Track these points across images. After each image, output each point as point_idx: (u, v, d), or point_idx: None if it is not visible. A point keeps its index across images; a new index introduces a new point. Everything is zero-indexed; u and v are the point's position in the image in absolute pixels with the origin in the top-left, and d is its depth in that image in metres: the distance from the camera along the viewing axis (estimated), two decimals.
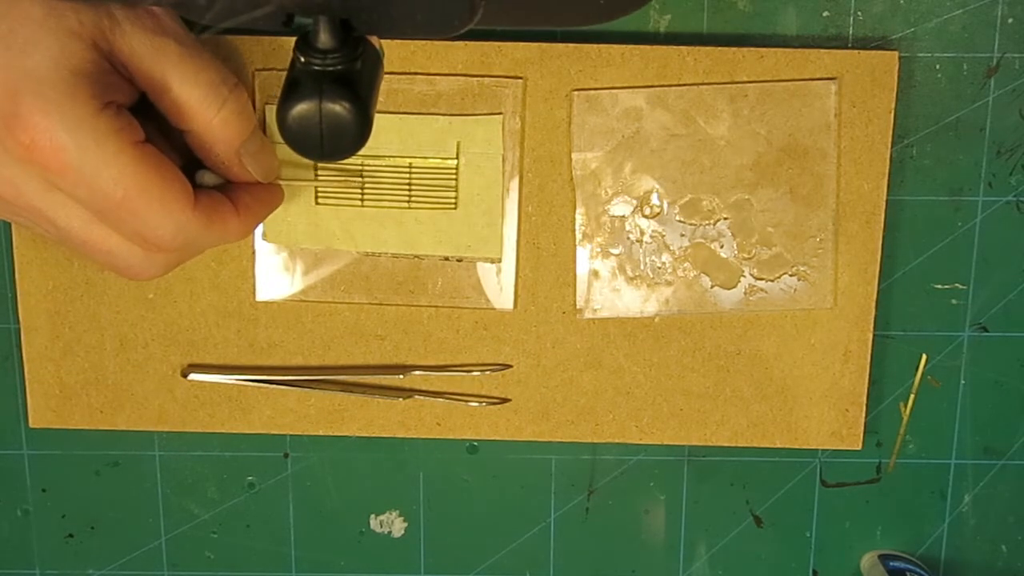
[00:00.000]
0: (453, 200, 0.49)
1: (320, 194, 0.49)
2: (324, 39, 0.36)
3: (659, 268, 0.50)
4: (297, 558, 0.55)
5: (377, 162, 0.48)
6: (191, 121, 0.41)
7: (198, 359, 0.51)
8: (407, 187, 0.49)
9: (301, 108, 0.37)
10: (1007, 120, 0.50)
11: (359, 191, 0.49)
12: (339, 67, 0.36)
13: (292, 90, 0.37)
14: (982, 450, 0.53)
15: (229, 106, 0.41)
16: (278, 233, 0.49)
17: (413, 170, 0.48)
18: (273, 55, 0.48)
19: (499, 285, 0.50)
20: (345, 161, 0.48)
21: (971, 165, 0.50)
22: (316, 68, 0.36)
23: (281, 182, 0.47)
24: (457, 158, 0.48)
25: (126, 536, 0.54)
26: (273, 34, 0.47)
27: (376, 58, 0.39)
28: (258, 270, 0.50)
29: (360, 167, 0.49)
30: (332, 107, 0.37)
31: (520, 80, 0.48)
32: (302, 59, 0.36)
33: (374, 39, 0.39)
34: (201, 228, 0.41)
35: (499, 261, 0.50)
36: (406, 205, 0.49)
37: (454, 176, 0.49)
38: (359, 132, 0.37)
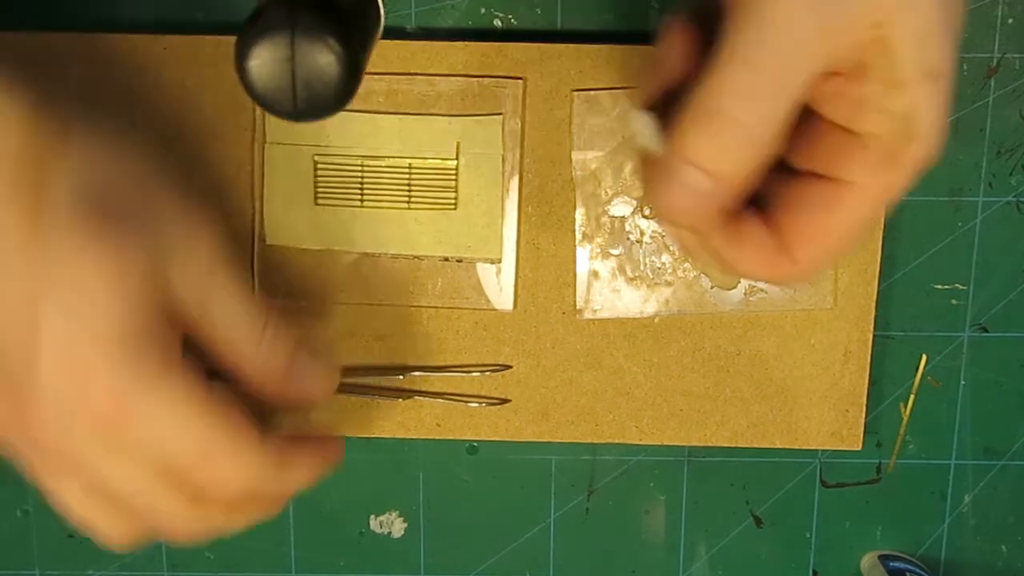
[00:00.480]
0: (453, 200, 0.49)
1: (320, 195, 0.49)
2: None
3: (659, 268, 0.50)
4: (297, 558, 0.55)
5: (377, 162, 0.48)
6: (238, 355, 0.38)
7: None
8: (407, 187, 0.49)
9: (268, 43, 0.29)
10: (1007, 120, 0.50)
11: (359, 192, 0.49)
12: None
13: (255, 20, 0.29)
14: (982, 450, 0.53)
15: (271, 331, 0.39)
16: (278, 234, 0.49)
17: (413, 170, 0.48)
18: None
19: (499, 285, 0.50)
20: (345, 162, 0.48)
21: (971, 165, 0.50)
22: None
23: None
24: (457, 158, 0.48)
25: None
26: (229, 30, 0.46)
27: (373, 7, 0.33)
28: (257, 270, 0.50)
29: (360, 167, 0.49)
30: (308, 42, 0.28)
31: (520, 80, 0.48)
32: None
33: None
34: (273, 470, 0.38)
35: (499, 261, 0.50)
36: (406, 206, 0.49)
37: (454, 176, 0.49)
38: (343, 79, 0.29)
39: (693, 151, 0.33)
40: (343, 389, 0.48)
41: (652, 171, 0.35)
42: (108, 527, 0.38)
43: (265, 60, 0.29)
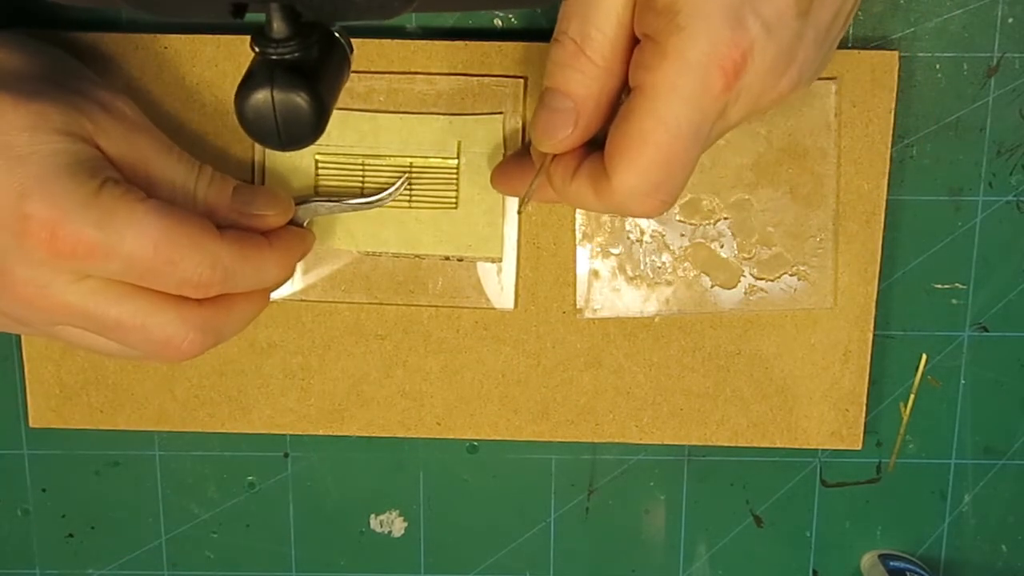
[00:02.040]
0: (454, 200, 0.49)
1: (321, 194, 0.49)
2: (276, 28, 0.36)
3: (659, 268, 0.50)
4: (297, 558, 0.55)
5: (378, 162, 0.48)
6: (180, 198, 0.43)
7: (198, 359, 0.51)
8: (408, 186, 0.49)
9: (254, 97, 0.37)
10: (1007, 120, 0.50)
11: (360, 191, 0.49)
12: (293, 56, 0.37)
13: (246, 80, 0.37)
14: (982, 450, 0.53)
15: (204, 175, 0.44)
16: None
17: (414, 170, 0.48)
18: None
19: (500, 285, 0.50)
20: (346, 161, 0.48)
21: (971, 165, 0.50)
22: (270, 58, 0.37)
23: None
24: (458, 158, 0.48)
25: (126, 536, 0.54)
26: (229, 30, 0.48)
27: (340, 52, 0.40)
28: None
29: (361, 167, 0.49)
30: (284, 96, 0.37)
31: (521, 79, 0.48)
32: (256, 50, 0.37)
33: (341, 34, 0.40)
34: (237, 257, 0.42)
35: (500, 260, 0.50)
36: (407, 205, 0.49)
37: (455, 176, 0.49)
38: (313, 120, 0.37)
39: (552, 77, 0.39)
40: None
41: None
42: (121, 350, 0.42)
43: (253, 109, 0.37)
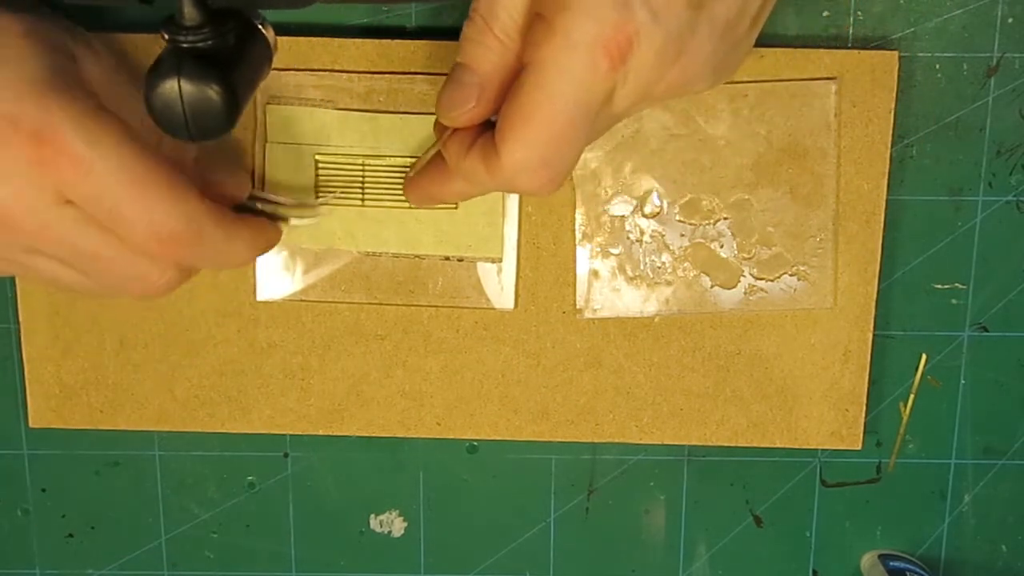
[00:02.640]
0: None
1: (321, 194, 0.49)
2: (187, 14, 0.35)
3: (659, 268, 0.50)
4: (297, 558, 0.55)
5: (378, 162, 0.48)
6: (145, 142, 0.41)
7: (198, 359, 0.51)
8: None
9: (161, 86, 0.36)
10: (1007, 120, 0.50)
11: (360, 191, 0.49)
12: (205, 44, 0.36)
13: (153, 68, 0.36)
14: (982, 450, 0.53)
15: (167, 141, 0.42)
16: None
17: (407, 174, 0.48)
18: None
19: (500, 285, 0.50)
20: (346, 162, 0.48)
21: (971, 165, 0.50)
22: (180, 46, 0.35)
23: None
24: None
25: (126, 536, 0.54)
26: (141, 27, 0.48)
27: (259, 44, 0.39)
28: (259, 270, 0.50)
29: (361, 167, 0.49)
30: (192, 86, 0.35)
31: None
32: (166, 37, 0.36)
33: (266, 27, 0.39)
34: (212, 222, 0.41)
35: (500, 261, 0.50)
36: (407, 205, 0.49)
37: None
38: (224, 112, 0.36)
39: (462, 52, 0.39)
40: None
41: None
42: (91, 285, 0.41)
43: (160, 99, 0.36)
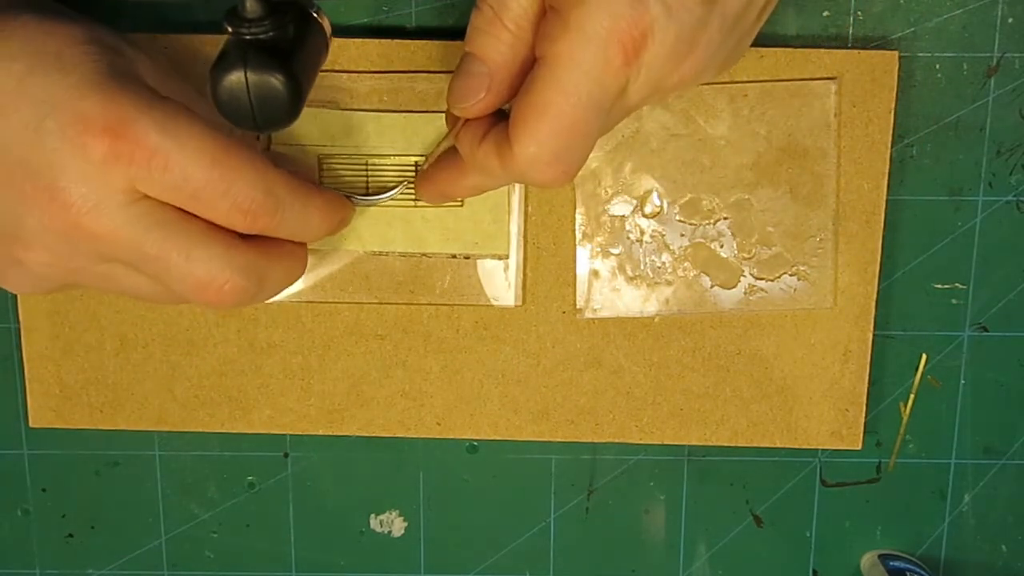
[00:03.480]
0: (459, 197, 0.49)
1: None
2: (249, 7, 0.36)
3: (659, 268, 0.50)
4: (297, 558, 0.55)
5: (382, 161, 0.48)
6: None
7: (198, 359, 0.51)
8: (413, 185, 0.49)
9: (227, 78, 0.36)
10: (1007, 120, 0.50)
11: (365, 190, 0.49)
12: (266, 35, 0.36)
13: (219, 61, 0.37)
14: (982, 450, 0.53)
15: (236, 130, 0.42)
16: None
17: (419, 168, 0.48)
18: None
19: (507, 282, 0.50)
20: (350, 161, 0.48)
21: (971, 165, 0.50)
22: (243, 38, 0.36)
23: None
24: None
25: (126, 536, 0.54)
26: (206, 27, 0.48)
27: (317, 32, 0.39)
28: None
29: (365, 166, 0.49)
30: (258, 76, 0.36)
31: None
32: (230, 30, 0.36)
33: (319, 13, 0.39)
34: (288, 190, 0.41)
35: (506, 257, 0.50)
36: (412, 203, 0.49)
37: None
38: (289, 101, 0.37)
39: (470, 42, 0.39)
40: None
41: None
42: (160, 292, 0.42)
43: (228, 88, 0.37)
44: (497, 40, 0.39)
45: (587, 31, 0.36)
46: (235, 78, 0.36)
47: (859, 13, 0.49)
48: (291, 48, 0.37)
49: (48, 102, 0.38)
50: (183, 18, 0.49)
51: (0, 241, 0.41)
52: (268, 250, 0.42)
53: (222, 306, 0.41)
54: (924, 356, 0.52)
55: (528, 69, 0.39)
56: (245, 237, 0.41)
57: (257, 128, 0.38)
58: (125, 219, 0.39)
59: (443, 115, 0.48)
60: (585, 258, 0.50)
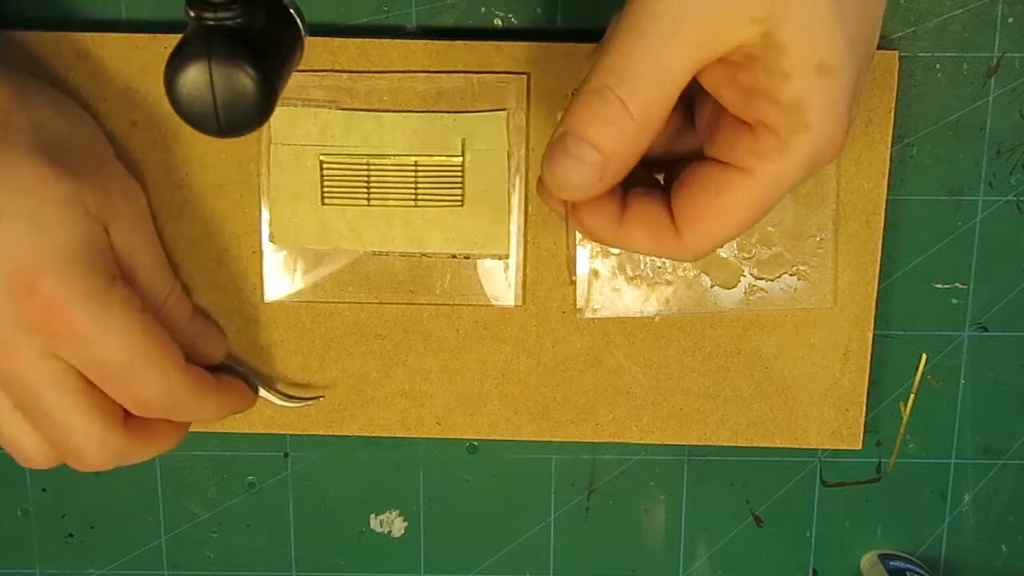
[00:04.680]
0: (459, 197, 0.49)
1: (326, 194, 0.49)
2: None
3: (659, 268, 0.50)
4: (297, 558, 0.55)
5: (382, 161, 0.48)
6: (152, 302, 0.45)
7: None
8: (413, 185, 0.49)
9: (187, 70, 0.32)
10: (1007, 120, 0.50)
11: (365, 190, 0.49)
12: (236, 22, 0.32)
13: (178, 50, 0.32)
14: (982, 450, 0.53)
15: (175, 291, 0.47)
16: (285, 235, 0.49)
17: (419, 168, 0.48)
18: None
19: (507, 282, 0.50)
20: (350, 161, 0.48)
21: (971, 165, 0.50)
22: (208, 23, 0.32)
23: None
24: (462, 155, 0.48)
25: (126, 536, 0.54)
26: None
27: (291, 28, 0.35)
28: (265, 272, 0.50)
29: (366, 166, 0.49)
30: (224, 68, 0.32)
31: (524, 76, 0.48)
32: (192, 14, 0.32)
33: (295, 9, 0.36)
34: (188, 394, 0.44)
35: (507, 257, 0.50)
36: (412, 203, 0.49)
37: (460, 173, 0.48)
38: (259, 99, 0.32)
39: (584, 127, 0.36)
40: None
41: (550, 145, 0.38)
42: (29, 445, 0.44)
43: (187, 86, 0.32)
44: (621, 132, 0.36)
45: (810, 154, 0.35)
46: (197, 70, 0.32)
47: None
48: (262, 39, 0.33)
49: (12, 253, 0.39)
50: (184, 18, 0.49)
51: None
52: (146, 433, 0.45)
53: (81, 469, 0.44)
54: (924, 356, 0.52)
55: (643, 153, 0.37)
56: (128, 415, 0.44)
57: (220, 131, 0.33)
58: (33, 368, 0.41)
59: (443, 115, 0.48)
60: (585, 258, 0.50)
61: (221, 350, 0.49)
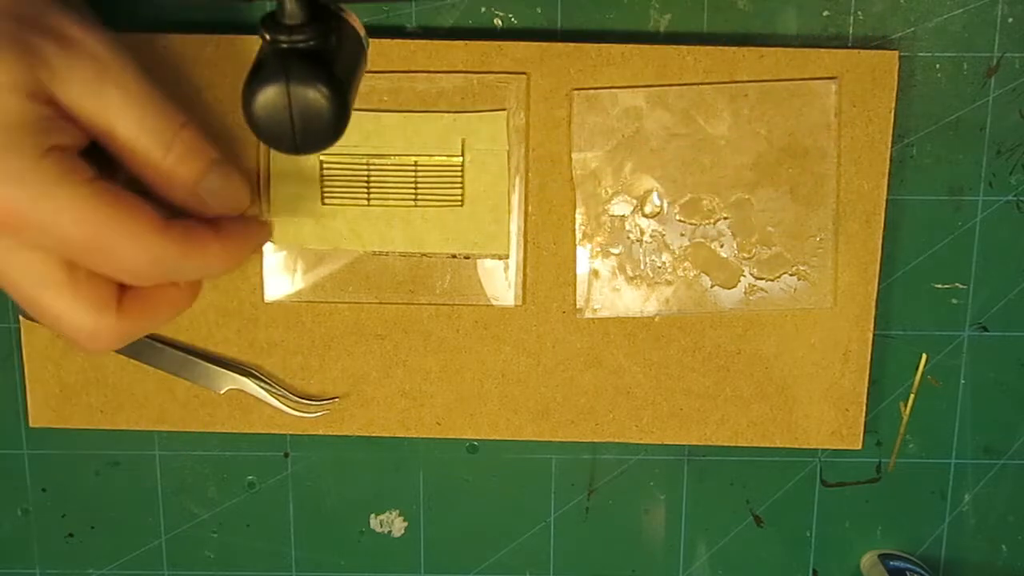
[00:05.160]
0: (459, 197, 0.49)
1: (326, 194, 0.49)
2: (290, 11, 0.32)
3: (659, 268, 0.50)
4: (297, 558, 0.55)
5: (382, 161, 0.48)
6: (142, 166, 0.40)
7: None
8: (413, 185, 0.49)
9: (266, 92, 0.33)
10: (1007, 120, 0.50)
11: (365, 190, 0.49)
12: (308, 44, 0.33)
13: (256, 72, 0.33)
14: (982, 450, 0.53)
15: (177, 148, 0.40)
16: (285, 235, 0.49)
17: (419, 168, 0.48)
18: None
19: (507, 281, 0.50)
20: (350, 161, 0.48)
21: (971, 165, 0.50)
22: (283, 46, 0.33)
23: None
24: (462, 155, 0.48)
25: (126, 536, 0.54)
26: (231, 27, 0.47)
27: (355, 38, 0.36)
28: (265, 271, 0.50)
29: (366, 166, 0.49)
30: (301, 89, 0.33)
31: (524, 76, 0.48)
32: (268, 37, 0.33)
33: (353, 18, 0.36)
34: (178, 254, 0.40)
35: (506, 257, 0.50)
36: (412, 203, 0.49)
37: (460, 173, 0.48)
38: (334, 118, 0.33)
39: None
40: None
41: None
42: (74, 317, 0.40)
43: (266, 104, 0.33)
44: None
45: None
46: (275, 92, 0.33)
47: (859, 13, 0.49)
48: (333, 58, 0.34)
49: None
50: (183, 18, 0.49)
51: None
52: (147, 304, 0.42)
53: (88, 353, 0.42)
54: (924, 356, 0.52)
55: None
56: (127, 288, 0.41)
57: (295, 148, 0.34)
58: (7, 266, 0.38)
59: (443, 115, 0.48)
60: (585, 258, 0.50)
61: (243, 203, 0.44)
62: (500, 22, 0.49)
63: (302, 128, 0.33)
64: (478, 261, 0.50)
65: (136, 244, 0.38)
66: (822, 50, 0.48)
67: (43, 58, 0.37)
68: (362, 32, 0.36)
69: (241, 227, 0.44)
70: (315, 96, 0.33)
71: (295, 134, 0.34)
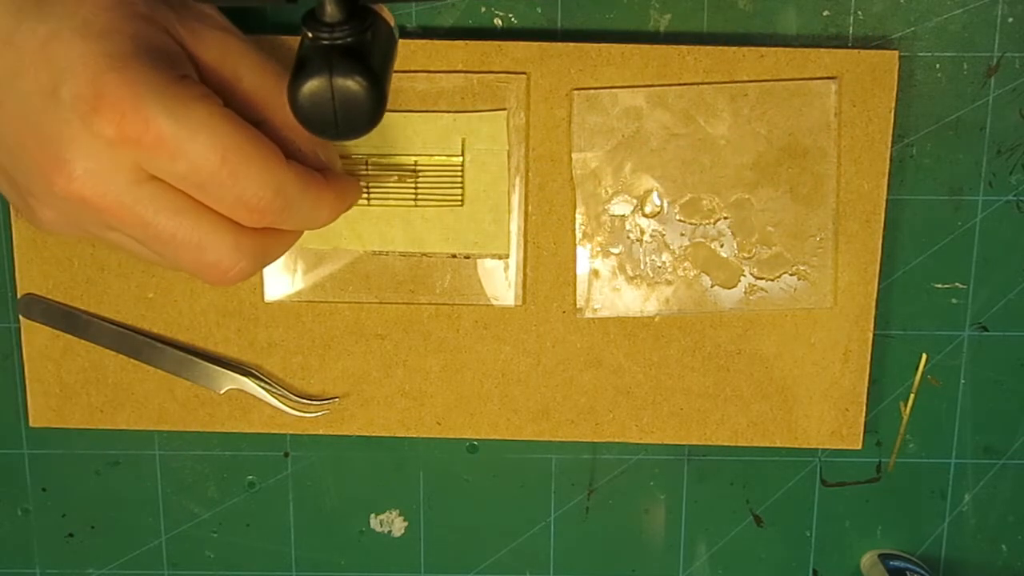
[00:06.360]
0: (459, 197, 0.49)
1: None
2: (331, 11, 0.35)
3: (659, 267, 0.50)
4: (297, 558, 0.55)
5: (383, 160, 0.48)
6: (268, 109, 0.42)
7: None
8: (413, 185, 0.49)
9: (312, 85, 0.36)
10: (1007, 120, 0.50)
11: (365, 190, 0.49)
12: (348, 40, 0.36)
13: (301, 67, 0.36)
14: (982, 450, 0.53)
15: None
16: None
17: (419, 168, 0.48)
18: None
19: (507, 281, 0.50)
20: (350, 161, 0.48)
21: (971, 164, 0.50)
22: (324, 43, 0.36)
23: None
24: (462, 155, 0.48)
25: (126, 536, 0.54)
26: (276, 28, 0.48)
27: (388, 31, 0.38)
28: (265, 271, 0.50)
29: (366, 166, 0.49)
30: (343, 82, 0.36)
31: (524, 75, 0.48)
32: (310, 35, 0.36)
33: (385, 11, 0.38)
34: (299, 189, 0.41)
35: (506, 257, 0.50)
36: (412, 203, 0.49)
37: (460, 173, 0.49)
38: (374, 107, 0.36)
39: None
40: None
41: None
42: (166, 263, 0.41)
43: (311, 96, 0.36)
44: None
45: None
46: (319, 84, 0.36)
47: (859, 13, 0.49)
48: (370, 52, 0.36)
49: (67, 69, 0.37)
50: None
51: (18, 190, 0.41)
52: (268, 234, 0.42)
53: (224, 284, 0.41)
54: (924, 356, 0.52)
55: None
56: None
57: (337, 135, 0.37)
58: (132, 199, 0.38)
59: (444, 114, 0.48)
60: (585, 258, 0.50)
61: (337, 162, 0.45)
62: (500, 22, 0.49)
63: (344, 116, 0.36)
64: (478, 261, 0.50)
65: (263, 171, 0.39)
66: (822, 50, 0.48)
67: (180, 14, 0.40)
68: (393, 25, 0.39)
69: (344, 180, 0.44)
70: (355, 87, 0.36)
71: (337, 122, 0.37)
